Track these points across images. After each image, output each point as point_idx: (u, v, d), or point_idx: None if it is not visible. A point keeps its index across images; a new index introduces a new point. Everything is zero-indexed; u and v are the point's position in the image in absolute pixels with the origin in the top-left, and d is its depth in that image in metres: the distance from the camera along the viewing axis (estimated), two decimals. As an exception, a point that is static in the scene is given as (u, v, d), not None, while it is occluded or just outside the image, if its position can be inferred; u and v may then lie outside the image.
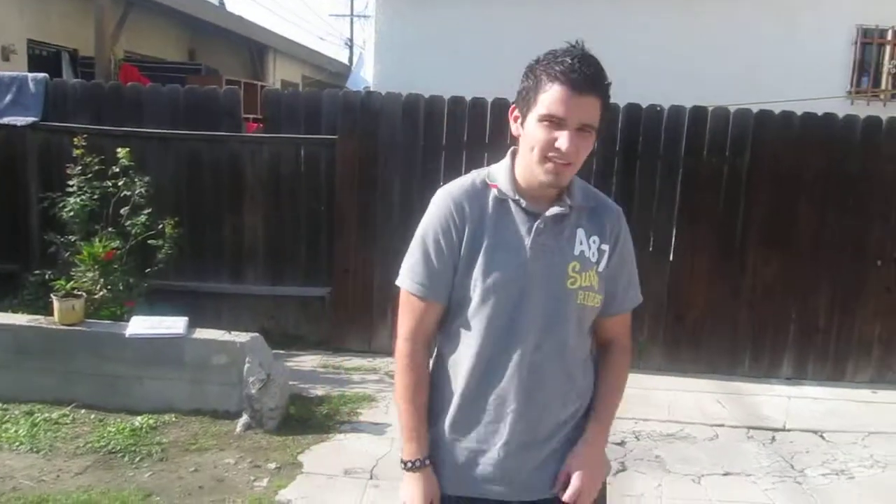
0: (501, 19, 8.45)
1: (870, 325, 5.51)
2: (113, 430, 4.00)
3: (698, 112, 5.41)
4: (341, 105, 5.56)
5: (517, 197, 1.65)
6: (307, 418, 4.35)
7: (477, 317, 1.63)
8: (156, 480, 3.57)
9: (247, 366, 4.16)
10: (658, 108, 5.41)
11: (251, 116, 7.71)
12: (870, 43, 8.47)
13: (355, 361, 5.44)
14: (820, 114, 5.43)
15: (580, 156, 1.58)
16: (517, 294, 1.61)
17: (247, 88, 9.00)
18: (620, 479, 3.80)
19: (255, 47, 15.30)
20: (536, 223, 1.63)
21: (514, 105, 1.65)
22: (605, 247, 1.70)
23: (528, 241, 1.62)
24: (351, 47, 27.44)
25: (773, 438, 4.46)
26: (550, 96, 1.54)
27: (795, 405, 5.01)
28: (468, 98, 5.50)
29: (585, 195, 1.72)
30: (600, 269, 1.68)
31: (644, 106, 5.40)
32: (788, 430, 4.58)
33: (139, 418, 4.14)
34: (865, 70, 8.51)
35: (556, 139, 1.54)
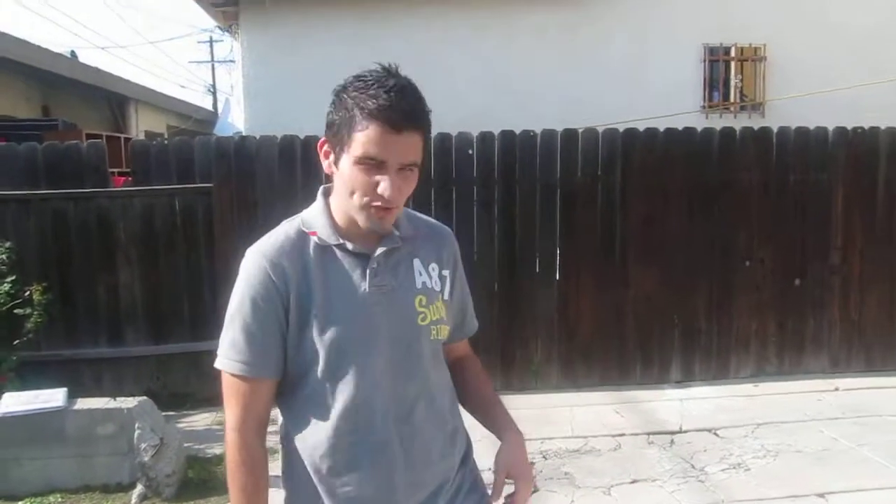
0: (369, 55, 8.50)
1: (746, 323, 5.84)
2: (-10, 520, 3.67)
3: (570, 134, 5.61)
4: (214, 152, 5.41)
5: (341, 241, 1.47)
6: (207, 480, 4.13)
7: (327, 384, 1.44)
8: (45, 569, 3.28)
9: (137, 432, 3.92)
10: (532, 133, 5.57)
11: (116, 170, 7.36)
12: (716, 60, 9.11)
13: (252, 414, 5.22)
14: (680, 129, 5.76)
15: (403, 197, 1.43)
16: (366, 346, 1.44)
17: (109, 141, 8.58)
18: (534, 499, 3.80)
19: (114, 99, 14.70)
20: (369, 265, 1.47)
21: (324, 139, 1.47)
22: (446, 272, 1.58)
23: (364, 287, 1.46)
24: (214, 93, 26.83)
25: (672, 441, 4.62)
26: (366, 136, 1.37)
27: (688, 406, 5.22)
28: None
29: (412, 222, 1.58)
30: (445, 297, 1.57)
31: (517, 132, 5.55)
32: (685, 432, 4.76)
33: (19, 504, 3.81)
34: (715, 86, 9.14)
35: (376, 183, 1.39)
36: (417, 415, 1.50)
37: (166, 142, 5.76)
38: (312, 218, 1.52)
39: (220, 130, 11.90)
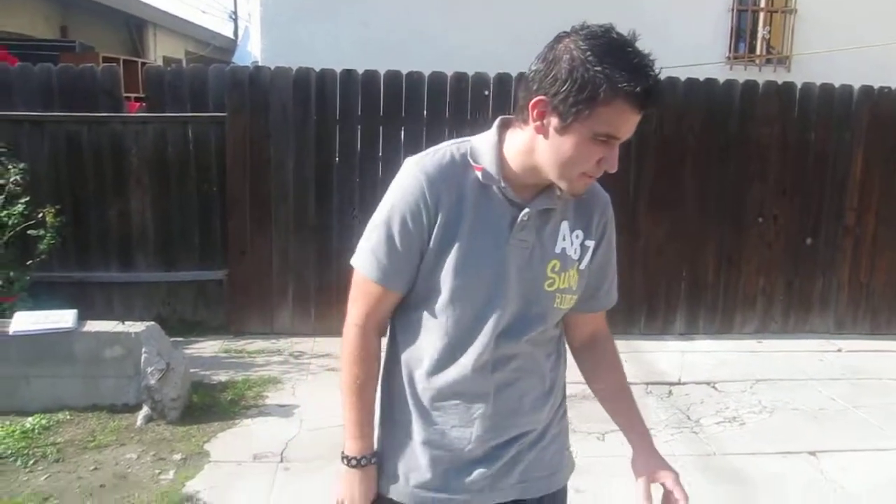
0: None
1: (753, 279, 5.83)
2: (1, 433, 3.78)
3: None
4: (229, 81, 5.36)
5: (503, 184, 1.43)
6: (211, 406, 4.23)
7: (444, 313, 1.45)
8: (53, 483, 3.39)
9: (144, 356, 4.00)
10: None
11: (132, 96, 7.33)
12: (745, 10, 8.87)
13: (258, 344, 5.32)
14: (702, 79, 5.65)
15: None
16: (491, 292, 1.44)
17: (126, 66, 8.54)
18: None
19: (133, 22, 14.55)
20: (521, 215, 1.43)
21: (542, 96, 1.33)
22: (590, 243, 1.53)
23: (507, 236, 1.44)
24: (235, 20, 26.38)
25: (670, 392, 4.68)
26: (615, 113, 1.29)
27: (689, 359, 5.26)
28: (360, 70, 5.41)
29: None
30: (582, 266, 1.52)
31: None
32: (684, 384, 4.81)
33: (30, 419, 3.92)
34: (741, 37, 8.92)
35: (601, 157, 1.34)
36: (518, 364, 1.51)
37: (181, 69, 5.72)
38: (481, 151, 1.46)
39: (240, 59, 11.76)
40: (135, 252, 5.52)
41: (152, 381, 3.96)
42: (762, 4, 8.88)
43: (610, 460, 3.43)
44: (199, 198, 5.50)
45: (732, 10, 8.76)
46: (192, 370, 4.44)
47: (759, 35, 8.89)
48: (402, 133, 5.44)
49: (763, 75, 8.04)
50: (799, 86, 5.72)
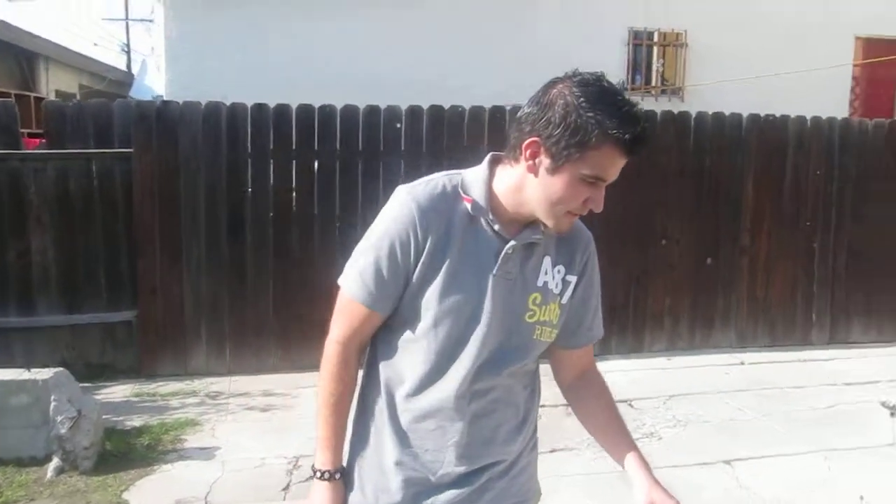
0: (300, 18, 8.35)
1: (660, 299, 6.08)
2: None
3: (479, 111, 5.67)
4: (136, 116, 5.23)
5: (491, 216, 1.47)
6: (127, 452, 4.06)
7: (427, 337, 1.49)
8: (-45, 544, 3.18)
9: (53, 404, 3.80)
10: (460, 109, 5.60)
11: (27, 132, 7.03)
12: (640, 44, 9.33)
13: (172, 386, 5.14)
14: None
15: None
16: (473, 319, 1.47)
17: (19, 100, 8.17)
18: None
19: (23, 55, 13.92)
20: (506, 248, 1.47)
21: (536, 138, 1.40)
22: (571, 278, 1.58)
23: (492, 268, 1.48)
24: (128, 53, 25.73)
25: (589, 412, 4.79)
26: (604, 157, 1.36)
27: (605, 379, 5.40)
28: (272, 105, 5.38)
29: None
30: (563, 300, 1.57)
31: (446, 108, 5.58)
32: (601, 403, 4.93)
33: (-75, 478, 3.66)
34: (638, 69, 9.37)
35: (587, 197, 1.42)
36: (497, 395, 1.54)
37: (83, 104, 5.54)
38: (472, 184, 1.50)
39: (137, 93, 11.47)
40: (36, 295, 5.26)
41: (63, 430, 3.76)
42: (655, 39, 9.37)
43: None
44: (104, 236, 5.31)
45: (629, 43, 9.21)
46: (104, 416, 4.25)
47: (654, 68, 9.37)
48: (316, 165, 5.43)
49: (660, 105, 8.49)
50: (693, 115, 6.06)
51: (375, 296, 1.49)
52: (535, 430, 1.69)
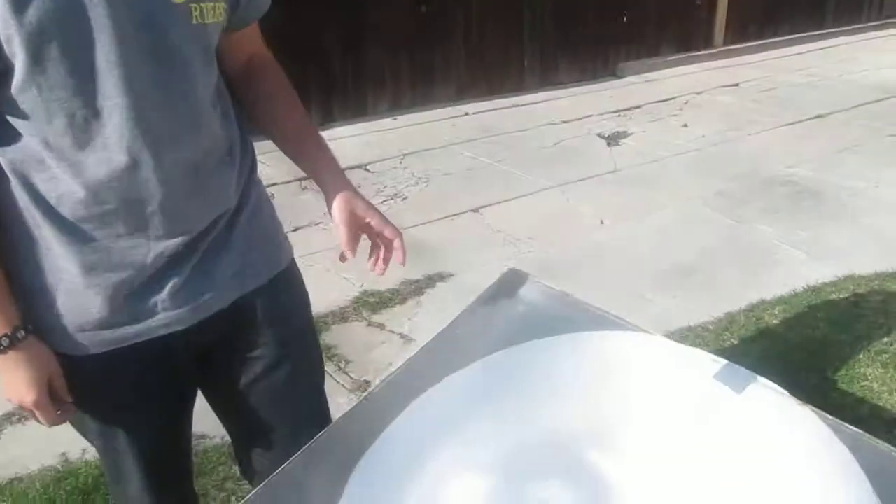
0: None
1: (379, 58, 5.66)
2: None
3: None
4: None
5: None
6: None
7: (32, 90, 0.94)
8: None
9: None
10: None
11: None
12: None
13: None
14: None
15: None
16: (82, 32, 0.93)
17: None
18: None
19: None
20: None
21: None
22: None
23: None
24: None
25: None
26: None
27: (335, 147, 4.99)
28: None
29: None
30: None
31: None
32: (337, 172, 4.58)
33: None
34: None
35: None
36: (174, 135, 1.04)
37: None
38: None
39: None
40: None
41: None
42: None
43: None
44: None
45: None
46: None
47: None
48: None
49: None
50: None
51: None
52: (253, 165, 1.25)
